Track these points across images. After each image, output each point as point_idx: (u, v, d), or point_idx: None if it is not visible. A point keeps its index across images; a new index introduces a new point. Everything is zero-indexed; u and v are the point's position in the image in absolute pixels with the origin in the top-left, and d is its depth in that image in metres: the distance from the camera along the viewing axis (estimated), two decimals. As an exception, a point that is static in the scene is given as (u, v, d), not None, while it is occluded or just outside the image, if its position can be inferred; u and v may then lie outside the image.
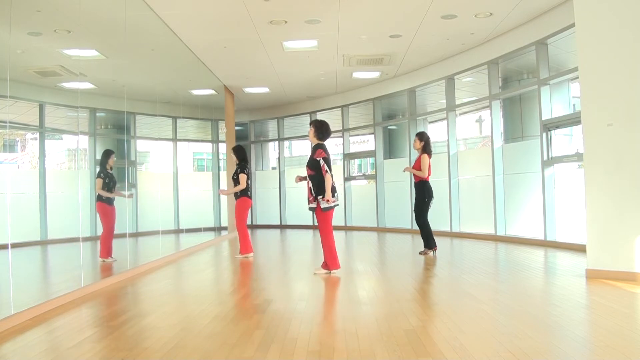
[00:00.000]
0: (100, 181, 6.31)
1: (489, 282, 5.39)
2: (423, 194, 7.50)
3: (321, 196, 5.85)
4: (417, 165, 7.50)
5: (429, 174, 7.50)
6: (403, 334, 3.38)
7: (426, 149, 7.52)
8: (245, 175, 7.61)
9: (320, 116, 14.26)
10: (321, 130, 6.04)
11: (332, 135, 6.23)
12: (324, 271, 5.95)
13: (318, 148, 5.94)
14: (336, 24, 8.05)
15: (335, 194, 5.98)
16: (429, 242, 7.46)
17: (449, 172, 10.40)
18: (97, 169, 6.36)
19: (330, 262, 5.96)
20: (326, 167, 5.86)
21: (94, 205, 6.30)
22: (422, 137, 7.58)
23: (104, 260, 6.40)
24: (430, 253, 7.45)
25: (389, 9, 7.58)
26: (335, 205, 5.98)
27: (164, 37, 8.05)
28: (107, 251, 6.47)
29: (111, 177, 6.48)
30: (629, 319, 3.85)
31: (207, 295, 5.18)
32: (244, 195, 7.61)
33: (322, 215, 5.97)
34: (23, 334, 3.69)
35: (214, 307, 4.42)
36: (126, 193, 6.78)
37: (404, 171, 8.04)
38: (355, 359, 2.94)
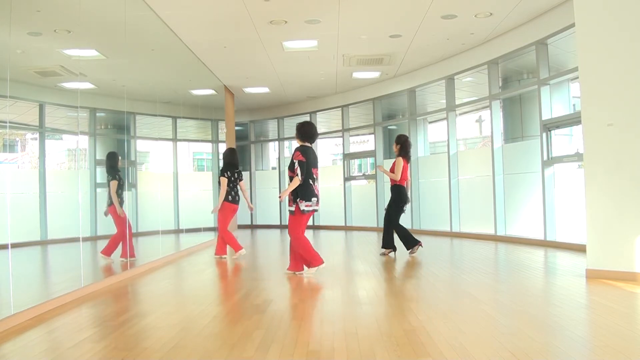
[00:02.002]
0: (115, 183, 6.28)
1: (489, 282, 5.39)
2: (396, 197, 7.34)
3: (299, 199, 5.74)
4: (393, 168, 7.36)
5: (405, 179, 7.31)
6: (403, 334, 3.38)
7: (401, 152, 7.34)
8: (225, 179, 7.49)
9: (320, 116, 14.28)
10: (300, 131, 5.92)
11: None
12: (312, 270, 5.86)
13: (297, 150, 5.83)
14: (336, 24, 8.05)
15: (314, 199, 5.81)
16: (408, 241, 7.33)
17: (449, 172, 10.40)
18: (106, 171, 6.30)
19: (313, 260, 5.84)
20: (299, 171, 5.70)
21: (94, 205, 6.30)
22: (399, 140, 7.40)
23: (104, 257, 6.41)
24: (390, 254, 7.44)
25: (389, 9, 7.58)
26: (314, 210, 5.88)
27: (164, 37, 8.05)
28: (111, 251, 6.48)
29: (123, 179, 6.48)
30: (629, 319, 3.86)
31: (207, 295, 5.18)
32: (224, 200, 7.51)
33: (298, 218, 5.81)
34: (23, 334, 3.69)
35: (214, 307, 4.42)
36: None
37: (379, 170, 7.78)
38: (355, 359, 2.94)
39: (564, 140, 8.27)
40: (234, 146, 13.12)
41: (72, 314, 4.33)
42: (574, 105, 8.53)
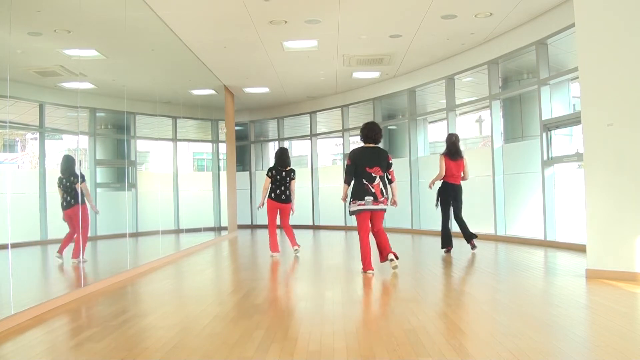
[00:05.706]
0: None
1: (489, 282, 5.39)
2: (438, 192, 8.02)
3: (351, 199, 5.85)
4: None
5: (449, 175, 7.83)
6: (403, 334, 3.38)
7: (444, 151, 7.86)
8: (267, 178, 7.67)
9: (320, 116, 14.28)
10: (361, 132, 6.03)
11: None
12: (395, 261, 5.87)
13: (389, 153, 5.99)
14: (336, 24, 8.05)
15: (367, 198, 5.85)
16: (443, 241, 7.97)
17: (449, 172, 10.38)
18: (71, 173, 5.94)
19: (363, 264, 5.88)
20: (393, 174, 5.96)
21: (94, 205, 6.28)
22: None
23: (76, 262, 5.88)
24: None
25: (389, 9, 7.58)
26: (370, 209, 5.89)
27: (164, 37, 8.05)
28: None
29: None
30: (629, 319, 3.86)
31: (207, 295, 5.18)
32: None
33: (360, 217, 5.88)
34: (23, 334, 3.69)
35: (214, 307, 4.42)
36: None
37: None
38: (355, 359, 2.94)
39: (564, 140, 8.27)
40: (234, 145, 13.14)
41: (72, 314, 4.33)
42: (574, 105, 8.52)
